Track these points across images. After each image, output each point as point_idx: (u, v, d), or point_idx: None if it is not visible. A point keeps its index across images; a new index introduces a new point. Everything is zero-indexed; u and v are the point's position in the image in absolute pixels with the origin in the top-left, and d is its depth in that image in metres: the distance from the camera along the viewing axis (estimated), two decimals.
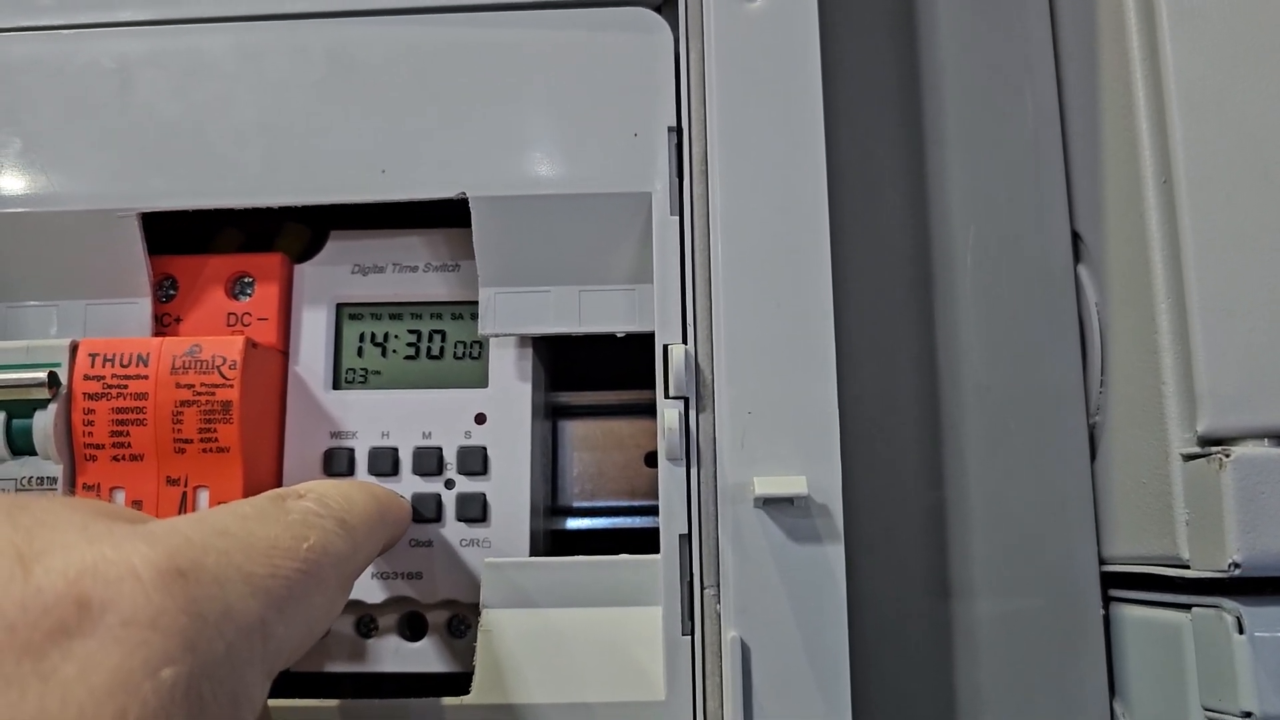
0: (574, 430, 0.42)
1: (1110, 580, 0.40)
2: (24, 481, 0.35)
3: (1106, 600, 0.40)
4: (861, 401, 0.41)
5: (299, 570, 0.26)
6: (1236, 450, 0.31)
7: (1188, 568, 0.33)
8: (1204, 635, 0.33)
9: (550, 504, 0.41)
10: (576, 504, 0.41)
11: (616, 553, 0.36)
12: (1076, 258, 0.41)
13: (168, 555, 0.23)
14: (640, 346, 0.37)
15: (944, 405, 0.41)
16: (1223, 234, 0.33)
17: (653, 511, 0.39)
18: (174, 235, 0.39)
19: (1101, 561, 0.40)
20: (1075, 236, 0.42)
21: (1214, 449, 0.32)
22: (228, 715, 0.22)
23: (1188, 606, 0.34)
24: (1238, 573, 0.31)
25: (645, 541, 0.36)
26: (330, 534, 0.28)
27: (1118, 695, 0.39)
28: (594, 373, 0.42)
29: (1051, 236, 0.42)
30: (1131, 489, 0.37)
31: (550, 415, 0.41)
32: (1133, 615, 0.38)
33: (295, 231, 0.41)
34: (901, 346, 0.42)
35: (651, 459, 0.40)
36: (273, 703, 0.33)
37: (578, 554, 0.36)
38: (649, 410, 0.39)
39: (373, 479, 0.37)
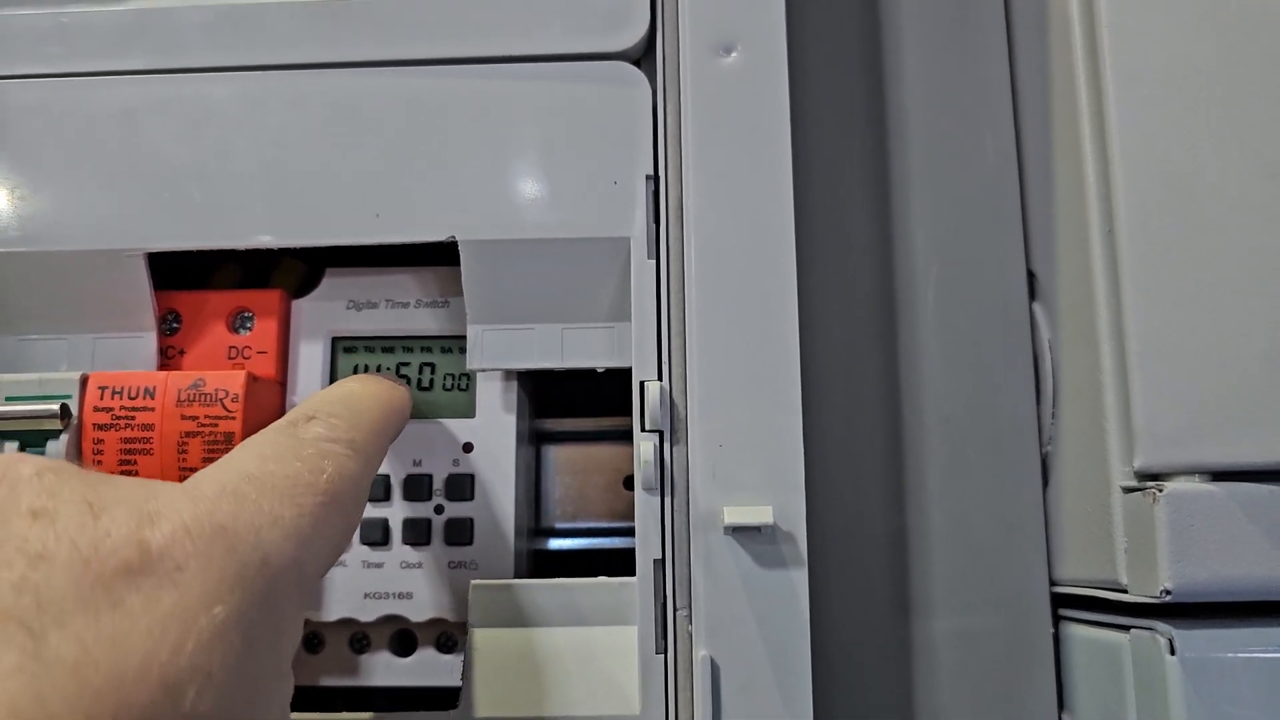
0: (556, 455, 0.44)
1: (1060, 601, 0.42)
2: None
3: (1056, 619, 0.42)
4: (829, 430, 0.43)
5: (321, 503, 0.29)
6: (1169, 485, 0.34)
7: (1126, 592, 0.36)
8: (1140, 655, 0.35)
9: (534, 525, 0.43)
10: (559, 525, 0.43)
11: (596, 572, 0.38)
12: (1032, 295, 0.44)
13: (209, 512, 0.26)
14: (619, 377, 0.39)
15: (906, 434, 0.43)
16: (1160, 282, 0.35)
17: (631, 532, 0.41)
18: (176, 270, 0.41)
19: (1052, 583, 0.42)
20: (1031, 275, 0.44)
21: (1149, 483, 0.34)
22: (269, 646, 0.26)
23: (1127, 628, 0.36)
24: (1169, 599, 0.33)
25: (624, 560, 0.38)
26: (343, 458, 0.31)
27: (1066, 709, 0.41)
28: (575, 400, 0.44)
29: (1008, 275, 0.44)
30: (1079, 516, 0.39)
31: (534, 440, 0.43)
32: (1080, 634, 0.40)
33: (291, 267, 0.43)
34: (866, 378, 0.44)
35: (630, 482, 0.42)
36: None
37: (559, 573, 0.38)
38: (628, 436, 0.41)
39: (367, 504, 0.39)
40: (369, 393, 0.35)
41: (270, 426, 0.31)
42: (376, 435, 0.33)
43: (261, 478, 0.28)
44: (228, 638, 0.24)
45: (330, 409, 0.32)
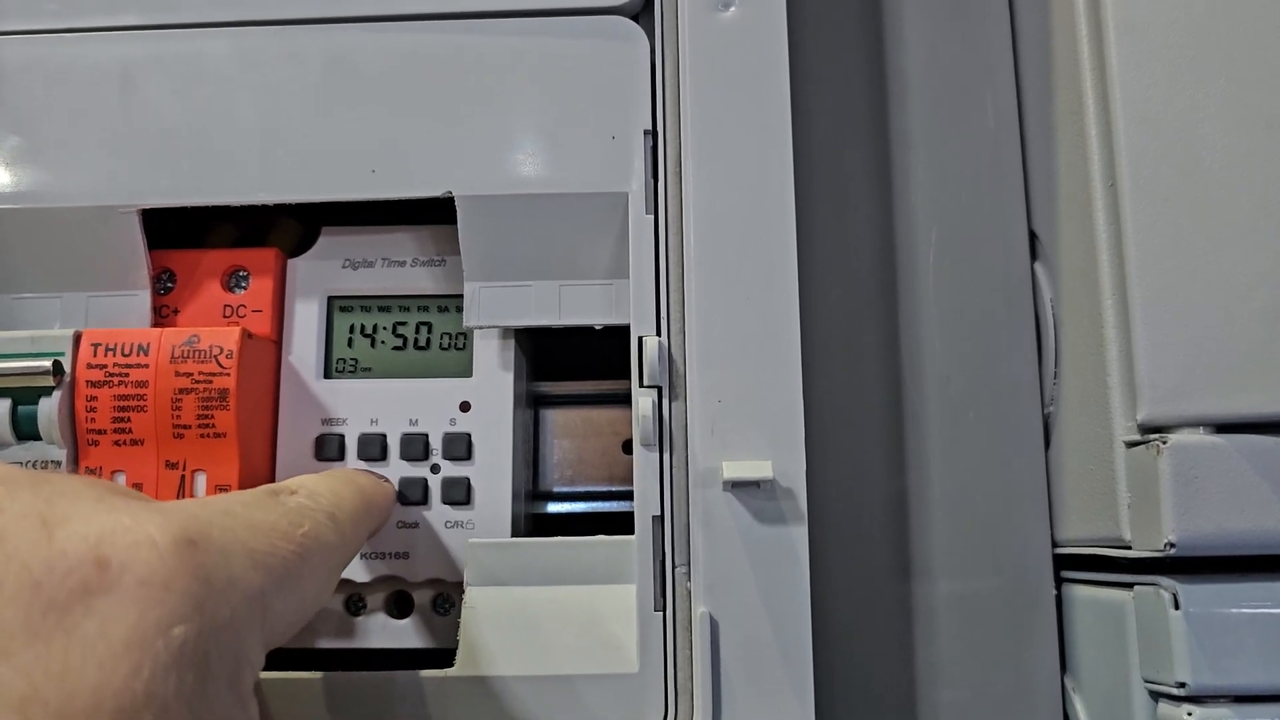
0: (555, 418, 0.43)
1: (1062, 562, 0.42)
2: (29, 465, 0.37)
3: (1059, 581, 0.42)
4: (828, 393, 0.43)
5: (294, 552, 0.28)
6: (1173, 438, 0.33)
7: (1130, 548, 0.35)
8: (1144, 611, 0.35)
9: (531, 489, 0.42)
10: (557, 489, 0.43)
11: (594, 535, 0.38)
12: (1033, 256, 0.44)
13: (180, 525, 0.24)
14: (617, 339, 0.39)
15: (906, 396, 0.43)
16: (1163, 236, 0.35)
17: (629, 496, 0.41)
18: (171, 230, 0.41)
19: (1054, 544, 0.42)
20: (1032, 236, 0.44)
21: (1153, 436, 0.34)
22: (230, 675, 0.24)
23: (1130, 585, 0.36)
24: (1173, 552, 0.33)
25: (622, 525, 0.38)
26: (321, 525, 0.30)
27: (1068, 671, 0.41)
28: (574, 363, 0.44)
29: (1009, 236, 0.44)
30: (1081, 475, 0.39)
31: (532, 404, 0.43)
32: (1082, 595, 0.40)
33: (288, 227, 0.43)
34: (866, 340, 0.44)
35: (629, 446, 0.42)
36: (265, 676, 0.34)
37: (547, 538, 0.38)
38: (626, 399, 0.41)
39: (362, 464, 0.39)
40: (353, 484, 0.34)
41: (252, 489, 0.31)
42: (355, 522, 0.33)
43: (238, 515, 0.27)
44: (185, 663, 0.23)
45: (314, 487, 0.32)
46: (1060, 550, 0.42)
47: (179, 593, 0.23)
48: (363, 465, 0.39)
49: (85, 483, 0.26)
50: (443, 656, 0.37)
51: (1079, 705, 0.40)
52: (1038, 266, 0.43)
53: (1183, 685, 0.33)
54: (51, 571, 0.22)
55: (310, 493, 0.31)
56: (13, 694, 0.20)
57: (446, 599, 0.39)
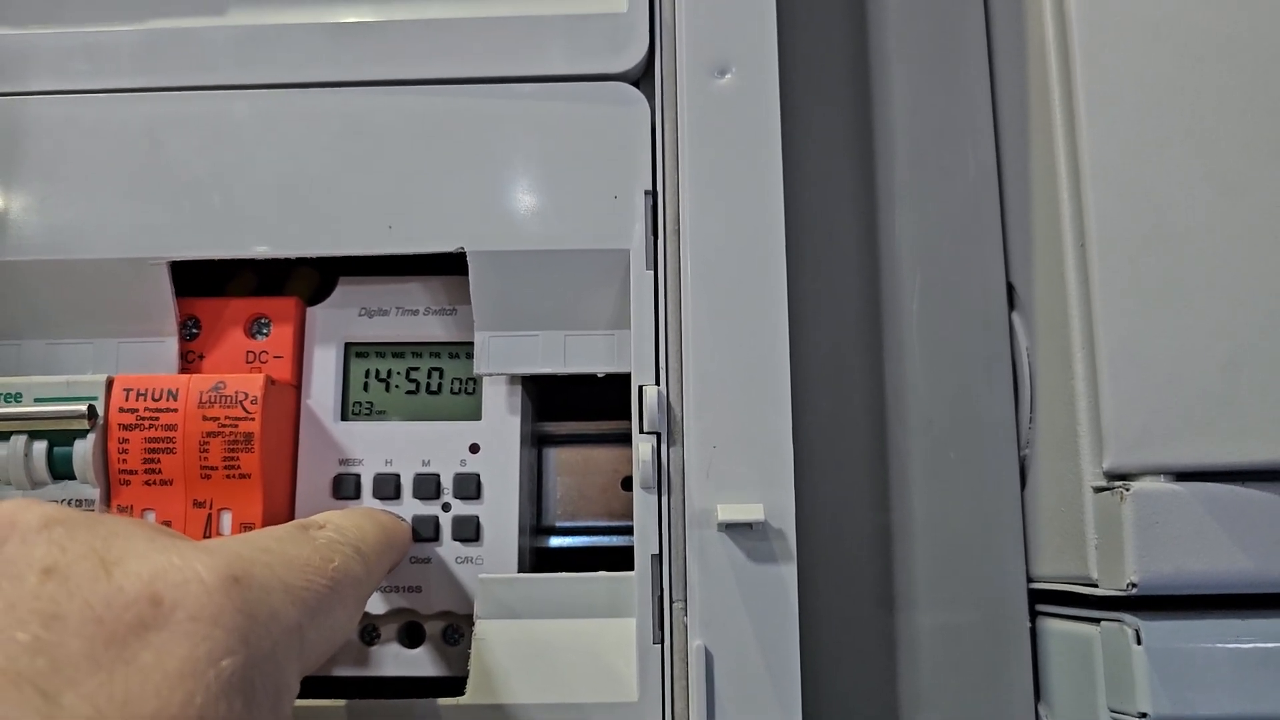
0: (558, 456, 0.46)
1: (1037, 596, 0.44)
2: (64, 503, 0.39)
3: (1034, 614, 0.44)
4: (817, 432, 0.45)
5: (326, 586, 0.30)
6: (1136, 485, 0.36)
7: (1096, 586, 0.38)
8: (1109, 646, 0.37)
9: (535, 523, 0.45)
10: (559, 524, 0.45)
11: (595, 568, 0.40)
12: (1011, 306, 0.46)
13: (225, 564, 0.26)
14: (618, 384, 0.41)
15: (891, 436, 0.46)
16: (1128, 294, 0.37)
17: (628, 531, 0.43)
18: (194, 278, 0.43)
19: (1029, 579, 0.44)
20: (1010, 287, 0.46)
21: (1117, 483, 0.36)
22: (272, 701, 0.26)
23: (1097, 620, 0.38)
24: (1135, 591, 0.35)
25: (621, 558, 0.40)
26: (349, 558, 0.32)
27: (1042, 699, 0.43)
28: (576, 404, 0.46)
29: (988, 286, 0.46)
30: (1054, 515, 0.41)
31: (536, 443, 0.45)
32: (1055, 628, 0.42)
33: (306, 276, 0.45)
34: (853, 383, 0.46)
35: (627, 483, 0.44)
36: None
37: (559, 569, 0.40)
38: (625, 439, 0.43)
39: (377, 503, 0.41)
40: (375, 521, 0.37)
41: (283, 525, 0.33)
42: (378, 555, 0.35)
43: (275, 551, 0.30)
44: (233, 692, 0.24)
45: (340, 522, 0.35)
46: (1035, 585, 0.44)
47: (226, 627, 0.25)
48: (378, 504, 0.41)
49: (135, 524, 0.28)
50: (452, 685, 0.39)
51: None
52: (1015, 316, 0.46)
53: (1144, 715, 0.35)
54: (110, 607, 0.24)
55: (337, 528, 0.34)
56: (81, 718, 0.22)
57: (456, 630, 0.41)
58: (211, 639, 0.25)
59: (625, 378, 0.41)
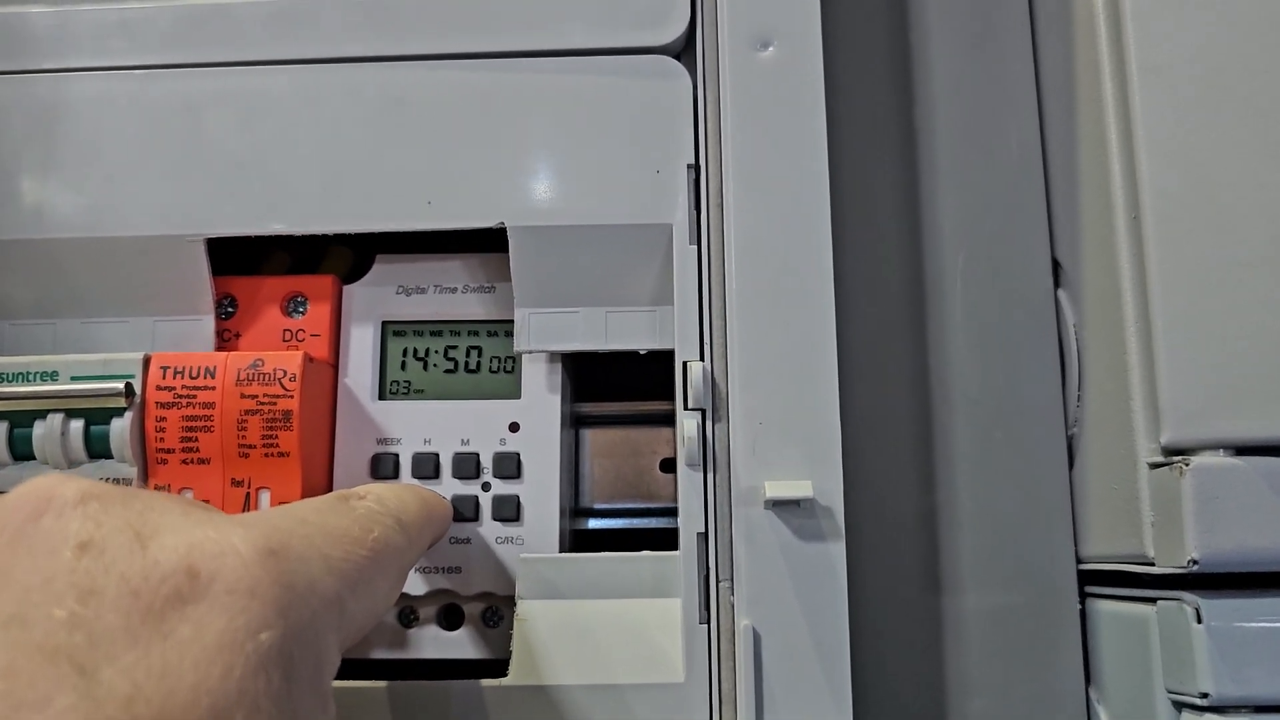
0: (595, 438, 0.45)
1: (1086, 578, 0.43)
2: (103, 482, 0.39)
3: (1083, 596, 0.43)
4: (861, 413, 0.45)
5: (366, 557, 0.30)
6: (1195, 460, 0.35)
7: (1153, 565, 0.37)
8: (1167, 626, 0.36)
9: (573, 505, 0.44)
10: (597, 506, 0.44)
11: (632, 550, 0.39)
12: (1056, 283, 0.45)
13: (262, 536, 0.26)
14: (656, 362, 0.41)
15: (936, 416, 0.45)
16: (1185, 265, 0.36)
17: (666, 513, 0.42)
18: (228, 257, 0.43)
19: (1078, 560, 0.43)
20: (1055, 263, 0.45)
21: (1175, 458, 0.36)
22: (312, 675, 0.26)
23: (1153, 600, 0.37)
24: (1195, 569, 0.34)
25: (659, 541, 0.40)
26: (390, 529, 0.32)
27: (1092, 683, 0.42)
28: (612, 385, 0.45)
29: (1034, 263, 0.46)
30: (1105, 494, 0.41)
31: (573, 424, 0.45)
32: (1106, 609, 0.42)
33: (340, 254, 0.45)
34: (897, 362, 0.45)
35: (665, 465, 0.44)
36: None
37: (597, 552, 0.40)
38: (664, 420, 0.43)
39: (417, 482, 0.41)
40: (416, 495, 0.36)
41: (324, 495, 0.33)
42: (419, 527, 0.35)
43: (314, 523, 0.29)
44: (272, 664, 0.24)
45: (380, 493, 0.34)
46: (1084, 566, 0.43)
47: (264, 599, 0.25)
48: (417, 483, 0.41)
49: (170, 498, 0.27)
50: (491, 667, 0.39)
51: (1103, 715, 0.41)
52: (1061, 293, 0.45)
53: (1205, 696, 0.34)
54: (147, 580, 0.24)
55: (378, 498, 0.33)
56: (119, 693, 0.22)
57: (496, 612, 0.41)
58: (249, 611, 0.24)
59: (666, 355, 0.40)
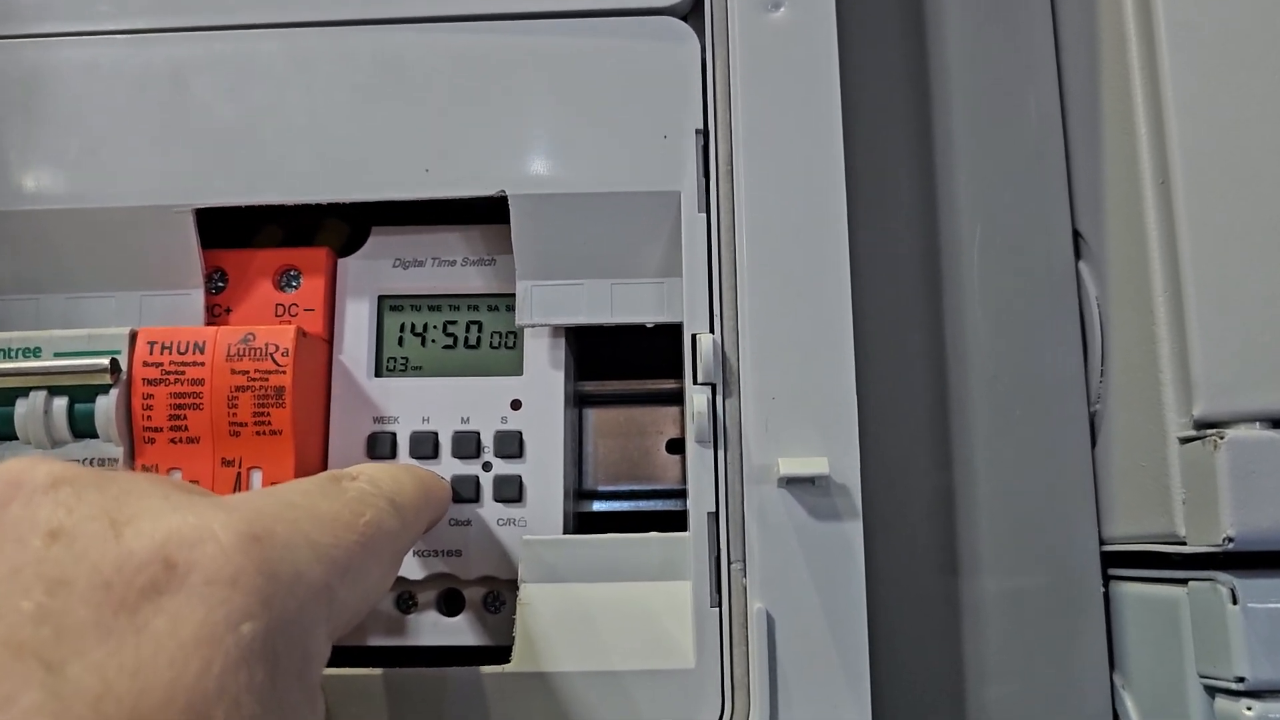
0: (598, 418, 0.44)
1: (1109, 560, 0.42)
2: (85, 463, 0.37)
3: (1106, 579, 0.42)
4: (876, 390, 0.43)
5: (357, 542, 0.28)
6: (1230, 433, 0.34)
7: (1184, 544, 0.36)
8: (1200, 607, 0.35)
9: (576, 488, 0.43)
10: (601, 488, 0.43)
11: (636, 534, 0.38)
12: (1077, 255, 0.44)
13: (245, 522, 0.25)
14: (663, 338, 0.39)
15: (953, 393, 0.44)
16: (1217, 231, 0.35)
17: (672, 495, 0.41)
18: (219, 230, 0.41)
19: (1101, 542, 0.42)
20: (1076, 235, 0.44)
21: (1209, 431, 0.34)
22: (299, 668, 0.24)
23: (1184, 581, 0.36)
24: (1231, 547, 0.33)
25: (666, 523, 0.39)
26: (383, 512, 0.30)
27: (1116, 668, 0.41)
28: (616, 363, 0.44)
29: (1053, 235, 0.44)
30: (1131, 472, 0.39)
31: (576, 404, 0.43)
32: (1131, 592, 0.40)
33: (335, 227, 0.43)
34: (913, 338, 0.44)
35: (672, 446, 0.42)
36: (325, 672, 0.35)
37: (602, 534, 0.38)
38: (670, 399, 0.41)
39: (414, 462, 0.40)
40: (412, 475, 0.35)
41: (314, 476, 0.31)
42: (415, 508, 0.33)
43: (302, 506, 0.28)
44: (254, 658, 0.23)
45: (374, 473, 0.32)
46: (1108, 548, 0.42)
47: (245, 590, 0.23)
48: (415, 463, 0.39)
49: (150, 480, 0.26)
50: (495, 654, 0.37)
51: (1129, 701, 0.40)
52: (1082, 265, 0.44)
53: (1242, 680, 0.33)
54: (121, 571, 0.22)
55: (371, 479, 0.32)
56: (88, 690, 0.21)
57: (498, 597, 0.39)
58: (229, 602, 0.23)
59: (673, 330, 0.39)
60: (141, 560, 0.23)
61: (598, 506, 0.43)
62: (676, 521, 0.38)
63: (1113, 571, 0.42)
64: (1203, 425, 0.35)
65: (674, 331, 0.39)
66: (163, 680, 0.21)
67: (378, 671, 0.36)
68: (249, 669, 0.23)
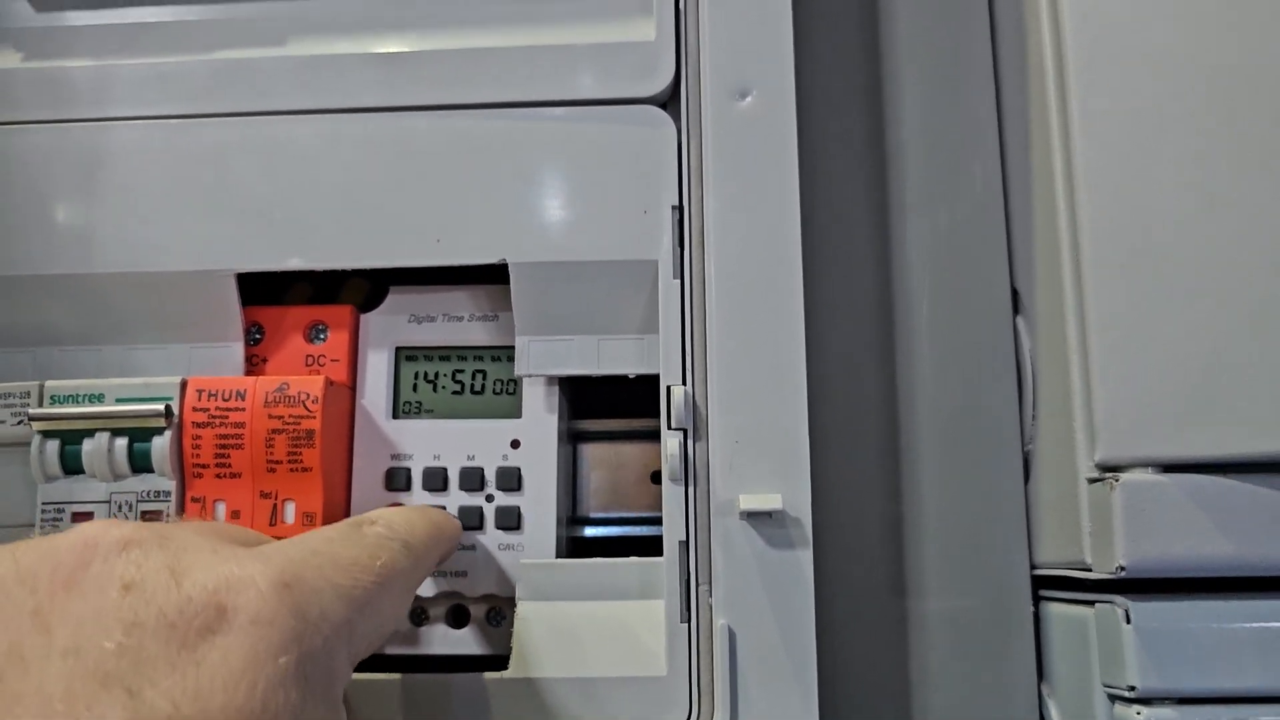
0: (591, 452, 0.49)
1: (1040, 583, 0.47)
2: (143, 494, 0.43)
3: (1037, 599, 0.47)
4: (834, 428, 0.48)
5: (374, 583, 0.33)
6: (1125, 476, 0.39)
7: (1090, 570, 0.40)
8: (1102, 625, 0.40)
9: (571, 514, 0.48)
10: (593, 515, 0.48)
11: (626, 556, 0.43)
12: (1016, 310, 0.49)
13: (278, 570, 0.30)
14: (647, 382, 0.44)
15: (902, 431, 0.48)
16: (1118, 298, 0.40)
17: (657, 521, 0.45)
18: (255, 288, 0.46)
19: (1033, 566, 0.47)
20: (1014, 291, 0.49)
21: (1108, 475, 0.39)
22: (324, 689, 0.30)
23: (1092, 603, 0.41)
24: (1124, 574, 0.38)
25: (651, 546, 0.43)
26: (397, 554, 0.35)
27: (1044, 678, 0.46)
28: (608, 403, 0.49)
29: (994, 291, 0.49)
30: (1054, 505, 0.44)
31: (571, 440, 0.48)
32: (1056, 611, 0.45)
33: (357, 285, 0.48)
34: (867, 382, 0.49)
35: (657, 477, 0.47)
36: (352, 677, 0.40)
37: (594, 557, 0.43)
38: (654, 435, 0.46)
39: (426, 494, 0.45)
40: (425, 516, 0.39)
41: (338, 523, 0.36)
42: (426, 547, 0.38)
43: (325, 553, 0.33)
44: (289, 683, 0.27)
45: (390, 518, 0.37)
46: (1038, 571, 0.46)
47: (281, 628, 0.28)
48: (428, 495, 0.45)
49: (201, 536, 0.31)
50: (495, 662, 0.42)
51: (1053, 709, 0.45)
52: (1019, 320, 0.48)
53: (1133, 689, 0.38)
54: (182, 614, 0.27)
55: (388, 523, 0.37)
56: (161, 711, 0.25)
57: (499, 612, 0.45)
58: (269, 639, 0.28)
59: (654, 378, 0.44)
60: (199, 605, 0.28)
61: (590, 532, 0.48)
62: (660, 545, 0.42)
63: (1043, 593, 0.46)
64: (1104, 468, 0.40)
65: (654, 380, 0.44)
66: (218, 702, 0.26)
67: (395, 676, 0.41)
68: (285, 691, 0.28)
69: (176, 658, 0.26)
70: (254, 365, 0.46)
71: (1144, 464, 0.39)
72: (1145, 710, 0.38)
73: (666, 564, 0.41)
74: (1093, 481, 0.40)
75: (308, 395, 0.42)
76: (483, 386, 0.47)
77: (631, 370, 0.44)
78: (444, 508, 0.45)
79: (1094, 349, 0.40)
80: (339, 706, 0.31)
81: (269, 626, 0.28)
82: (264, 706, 0.27)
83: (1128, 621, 0.38)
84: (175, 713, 0.26)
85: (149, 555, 0.29)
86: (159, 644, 0.26)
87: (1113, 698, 0.40)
